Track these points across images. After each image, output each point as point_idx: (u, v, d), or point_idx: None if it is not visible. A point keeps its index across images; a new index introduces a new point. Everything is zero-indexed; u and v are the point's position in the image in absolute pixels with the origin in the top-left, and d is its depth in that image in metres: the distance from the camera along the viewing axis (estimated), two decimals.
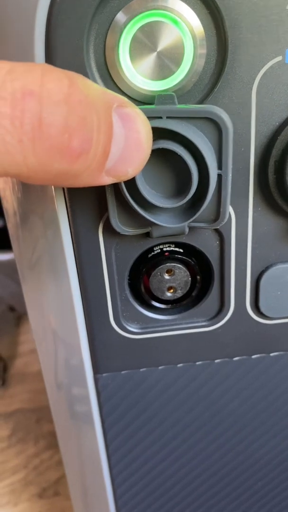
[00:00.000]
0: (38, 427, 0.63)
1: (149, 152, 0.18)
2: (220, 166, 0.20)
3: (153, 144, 0.18)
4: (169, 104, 0.20)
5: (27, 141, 0.15)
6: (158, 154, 0.19)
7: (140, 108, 0.18)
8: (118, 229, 0.22)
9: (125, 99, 0.17)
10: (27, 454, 0.60)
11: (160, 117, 0.19)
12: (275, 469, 0.31)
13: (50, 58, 0.19)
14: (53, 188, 0.22)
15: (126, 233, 0.22)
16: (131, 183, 0.20)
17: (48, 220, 0.23)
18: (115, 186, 0.21)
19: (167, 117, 0.19)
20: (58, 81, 0.15)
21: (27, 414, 0.65)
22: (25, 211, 0.24)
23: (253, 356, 0.27)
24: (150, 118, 0.19)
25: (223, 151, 0.20)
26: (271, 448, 0.30)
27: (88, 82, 0.16)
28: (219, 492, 0.32)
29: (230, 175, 0.20)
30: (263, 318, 0.26)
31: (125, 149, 0.17)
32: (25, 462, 0.59)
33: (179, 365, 0.27)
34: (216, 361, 0.27)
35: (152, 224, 0.22)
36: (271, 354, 0.27)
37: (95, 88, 0.16)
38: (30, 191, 0.23)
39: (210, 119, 0.19)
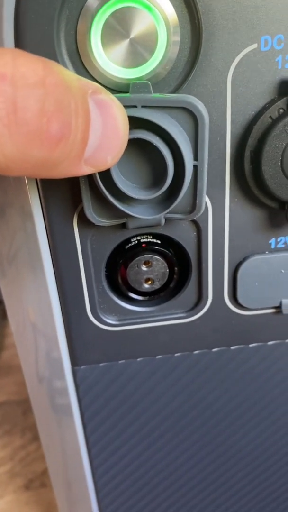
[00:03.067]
0: (24, 419, 0.63)
1: (126, 139, 0.17)
2: (196, 157, 0.20)
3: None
4: (144, 93, 0.19)
5: (3, 127, 0.14)
6: (133, 145, 0.19)
7: (115, 96, 0.18)
8: (93, 220, 0.21)
9: (100, 86, 0.17)
10: (14, 446, 0.60)
11: (135, 106, 0.19)
12: (255, 460, 0.32)
13: (19, 43, 0.19)
14: (26, 179, 0.22)
15: (101, 224, 0.22)
16: (105, 174, 0.19)
17: (23, 213, 0.23)
18: (89, 177, 0.20)
19: (142, 106, 0.19)
20: (31, 63, 0.14)
21: (13, 406, 0.65)
22: (1, 204, 0.24)
23: (232, 347, 0.27)
24: (125, 107, 0.18)
25: (199, 142, 0.20)
26: (251, 439, 0.31)
27: (62, 67, 0.16)
28: (200, 483, 0.32)
29: (206, 166, 0.20)
30: (241, 309, 0.26)
31: (103, 136, 0.16)
32: (11, 454, 0.59)
33: (157, 357, 0.27)
34: (195, 352, 0.27)
35: (127, 215, 0.21)
36: (250, 345, 0.27)
37: (70, 74, 0.16)
38: (4, 183, 0.23)
39: (186, 109, 0.19)
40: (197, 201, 0.21)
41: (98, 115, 0.16)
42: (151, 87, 0.19)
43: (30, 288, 0.26)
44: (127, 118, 0.17)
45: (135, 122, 0.19)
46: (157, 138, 0.19)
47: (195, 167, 0.20)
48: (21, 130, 0.14)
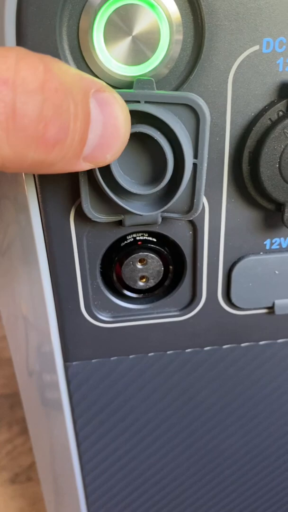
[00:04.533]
0: (11, 413, 0.63)
1: (127, 137, 0.17)
2: (196, 155, 0.20)
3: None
4: (147, 89, 0.19)
5: (1, 132, 0.14)
6: (134, 140, 0.19)
7: (118, 92, 0.18)
8: (90, 216, 0.21)
9: (103, 83, 0.17)
10: (0, 440, 0.60)
11: (138, 102, 0.19)
12: (244, 457, 0.32)
13: (21, 39, 0.19)
14: (23, 173, 0.21)
15: (99, 220, 0.22)
16: (105, 169, 0.19)
17: (18, 205, 0.23)
18: (89, 172, 0.20)
19: (145, 102, 0.19)
20: (33, 68, 0.14)
21: (1, 400, 0.65)
22: None
23: (224, 346, 0.27)
24: (128, 102, 0.18)
25: (199, 140, 0.20)
26: (240, 437, 0.31)
27: (64, 66, 0.15)
28: (188, 479, 0.32)
29: (206, 164, 0.20)
30: (234, 309, 0.26)
31: (103, 135, 0.16)
32: None
33: (150, 354, 0.27)
34: (187, 350, 0.27)
35: (125, 212, 0.21)
36: (242, 345, 0.27)
37: (72, 73, 0.16)
38: (0, 175, 0.23)
39: (189, 106, 0.19)
40: (195, 200, 0.21)
41: (99, 114, 0.16)
42: (154, 83, 0.19)
43: (23, 281, 0.26)
44: (129, 116, 0.17)
45: (137, 117, 0.19)
46: (159, 133, 0.19)
47: (195, 165, 0.20)
48: (18, 135, 0.14)
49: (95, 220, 0.21)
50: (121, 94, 0.19)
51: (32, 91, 0.14)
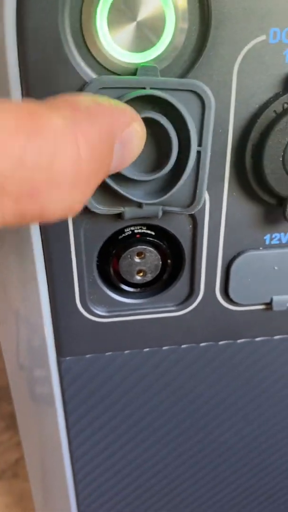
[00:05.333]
0: None
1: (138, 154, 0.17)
2: (200, 143, 0.19)
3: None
4: (152, 75, 0.19)
5: (56, 190, 0.14)
6: None
7: (123, 79, 0.17)
8: (89, 206, 0.21)
9: (127, 115, 0.16)
10: None
11: (144, 88, 0.19)
12: (238, 453, 0.32)
13: (22, 23, 0.18)
14: None
15: (98, 211, 0.21)
16: None
17: None
18: None
19: (151, 88, 0.19)
20: (70, 142, 0.14)
21: None
22: None
23: (220, 343, 0.27)
24: (133, 88, 0.18)
25: (204, 127, 0.19)
26: (235, 433, 0.31)
27: (90, 132, 0.14)
28: (182, 475, 0.32)
29: (209, 153, 0.20)
30: (232, 305, 0.26)
31: (121, 162, 0.17)
32: None
33: (145, 350, 0.27)
34: (183, 346, 0.27)
35: (125, 204, 0.21)
36: (238, 341, 0.27)
37: (97, 136, 0.15)
38: None
39: (194, 92, 0.19)
40: (197, 191, 0.20)
41: (119, 150, 0.16)
42: (158, 70, 0.19)
43: (15, 273, 0.25)
44: (144, 138, 0.17)
45: (141, 103, 0.18)
46: (165, 118, 0.19)
47: (199, 153, 0.20)
48: (26, 211, 0.14)
49: (94, 210, 0.21)
50: (126, 81, 0.18)
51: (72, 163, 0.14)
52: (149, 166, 0.20)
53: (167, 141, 0.19)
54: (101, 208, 0.21)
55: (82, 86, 0.19)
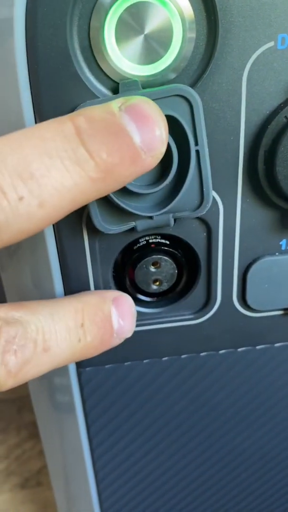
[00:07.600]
0: (19, 417, 0.63)
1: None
2: (196, 142, 0.20)
3: None
4: (133, 89, 0.19)
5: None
6: None
7: (107, 100, 0.18)
8: (102, 229, 0.21)
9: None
10: (9, 444, 0.59)
11: None
12: (259, 461, 0.31)
13: (31, 38, 0.18)
14: None
15: (111, 232, 0.21)
16: None
17: None
18: None
19: None
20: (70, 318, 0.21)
21: (8, 403, 0.64)
22: None
23: (239, 349, 0.27)
24: None
25: (196, 126, 0.19)
26: (256, 441, 0.30)
27: None
28: (204, 483, 0.32)
29: (207, 150, 0.20)
30: (250, 311, 0.25)
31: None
32: (6, 452, 0.59)
33: (164, 359, 0.27)
34: (202, 354, 0.27)
35: (135, 218, 0.21)
36: (257, 347, 0.27)
37: None
38: None
39: (180, 96, 0.19)
40: (204, 190, 0.20)
41: None
42: (139, 84, 0.19)
43: (32, 288, 0.25)
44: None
45: None
46: None
47: (197, 152, 0.20)
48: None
49: (107, 232, 0.21)
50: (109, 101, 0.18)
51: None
52: (152, 178, 0.20)
53: (167, 149, 0.19)
54: (113, 229, 0.21)
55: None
